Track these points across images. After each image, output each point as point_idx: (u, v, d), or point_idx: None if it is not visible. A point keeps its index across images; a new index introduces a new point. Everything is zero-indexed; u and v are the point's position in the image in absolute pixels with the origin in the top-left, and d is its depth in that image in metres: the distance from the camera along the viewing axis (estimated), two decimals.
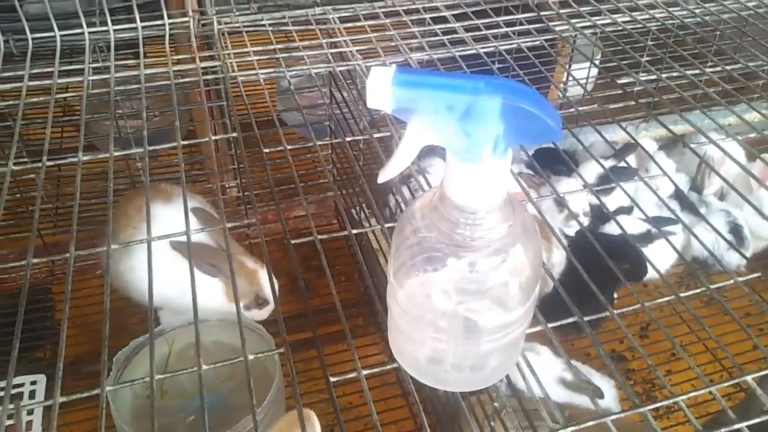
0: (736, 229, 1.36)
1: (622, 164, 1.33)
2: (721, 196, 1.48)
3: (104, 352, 0.57)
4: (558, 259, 1.21)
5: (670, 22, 1.19)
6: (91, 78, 0.95)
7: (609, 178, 1.20)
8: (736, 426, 0.55)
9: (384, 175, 0.49)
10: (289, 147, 0.81)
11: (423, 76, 0.44)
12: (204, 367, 0.56)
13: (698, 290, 0.69)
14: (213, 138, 0.79)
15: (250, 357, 0.57)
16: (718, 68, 1.05)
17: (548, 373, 0.98)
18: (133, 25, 1.06)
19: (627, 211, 1.37)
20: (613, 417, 0.55)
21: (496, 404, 0.67)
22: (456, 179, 0.47)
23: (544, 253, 1.20)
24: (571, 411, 0.91)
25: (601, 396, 0.97)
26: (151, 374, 0.55)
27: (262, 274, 1.08)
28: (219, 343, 1.09)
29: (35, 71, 0.97)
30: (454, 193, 0.48)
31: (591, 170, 1.36)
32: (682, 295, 0.69)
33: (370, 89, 0.44)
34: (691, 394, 0.59)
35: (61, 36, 1.04)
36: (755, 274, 0.71)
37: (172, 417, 1.02)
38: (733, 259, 1.30)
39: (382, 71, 0.44)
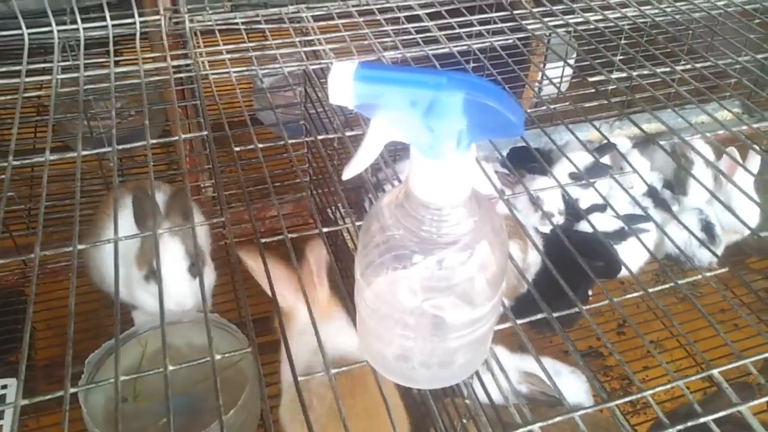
0: (708, 227, 1.38)
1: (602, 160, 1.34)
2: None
3: (68, 353, 0.56)
4: (534, 258, 1.21)
5: (643, 20, 1.20)
6: (60, 77, 0.93)
7: (583, 175, 1.21)
8: (702, 420, 0.56)
9: (348, 172, 0.49)
10: (260, 146, 0.81)
11: (385, 71, 0.44)
12: (170, 367, 0.55)
13: (667, 285, 0.70)
14: (183, 137, 0.78)
15: (217, 357, 0.56)
16: (690, 67, 1.07)
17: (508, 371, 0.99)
18: (103, 23, 1.05)
19: (601, 208, 1.38)
20: (581, 412, 0.55)
21: (467, 401, 0.67)
22: (420, 175, 0.47)
23: (520, 253, 1.21)
24: (537, 405, 0.92)
25: (560, 404, 0.97)
26: (116, 376, 0.54)
27: (165, 246, 1.00)
28: (192, 345, 1.08)
29: (2, 70, 0.95)
30: (418, 189, 0.48)
31: (566, 168, 1.37)
32: (651, 290, 0.70)
33: (332, 85, 0.44)
34: (659, 389, 0.59)
35: (30, 34, 1.02)
36: (722, 269, 0.72)
37: (146, 419, 1.00)
38: (706, 256, 1.31)
39: (343, 66, 0.44)
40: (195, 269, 1.02)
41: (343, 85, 0.43)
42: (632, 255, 1.33)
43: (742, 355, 0.62)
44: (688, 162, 1.37)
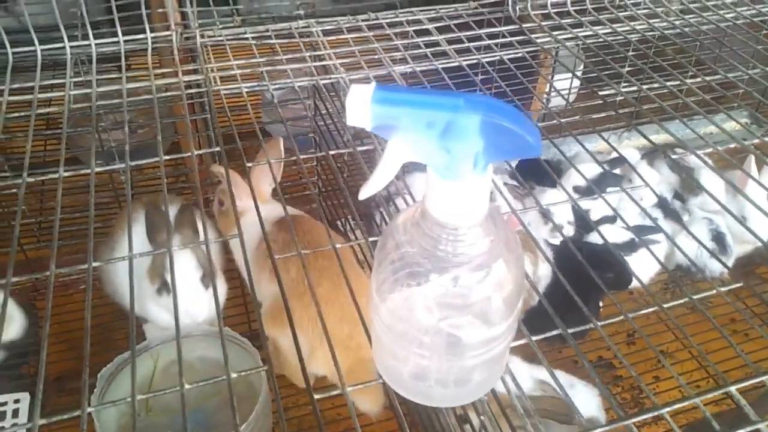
0: (718, 237, 1.37)
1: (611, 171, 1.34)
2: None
3: (85, 371, 0.56)
4: (544, 271, 1.21)
5: (651, 33, 1.21)
6: (72, 92, 0.94)
7: (593, 188, 1.21)
8: None
9: (365, 192, 0.49)
10: (272, 160, 0.81)
11: (402, 93, 0.44)
12: (186, 386, 0.55)
13: (681, 300, 0.70)
14: (195, 153, 0.79)
15: (233, 375, 0.56)
16: (698, 79, 1.07)
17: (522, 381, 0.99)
18: (115, 39, 1.05)
19: (611, 220, 1.38)
20: (599, 431, 0.55)
21: (482, 418, 0.67)
22: (437, 196, 0.47)
23: (531, 266, 1.21)
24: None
25: (570, 422, 0.98)
26: (132, 395, 0.54)
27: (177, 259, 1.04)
28: (204, 359, 1.08)
29: (16, 86, 0.96)
30: (435, 209, 0.48)
31: (576, 179, 1.37)
32: (666, 306, 0.69)
33: (350, 107, 0.44)
34: (676, 406, 0.59)
35: (42, 50, 1.03)
36: (737, 284, 0.72)
37: None
38: (717, 266, 1.31)
39: (361, 89, 0.44)
40: (207, 280, 1.02)
41: (361, 107, 0.44)
42: (643, 266, 1.32)
43: (759, 370, 0.62)
44: (697, 171, 1.37)
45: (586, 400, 1.04)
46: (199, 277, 1.03)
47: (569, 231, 1.38)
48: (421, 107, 0.44)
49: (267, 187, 1.11)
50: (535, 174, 1.38)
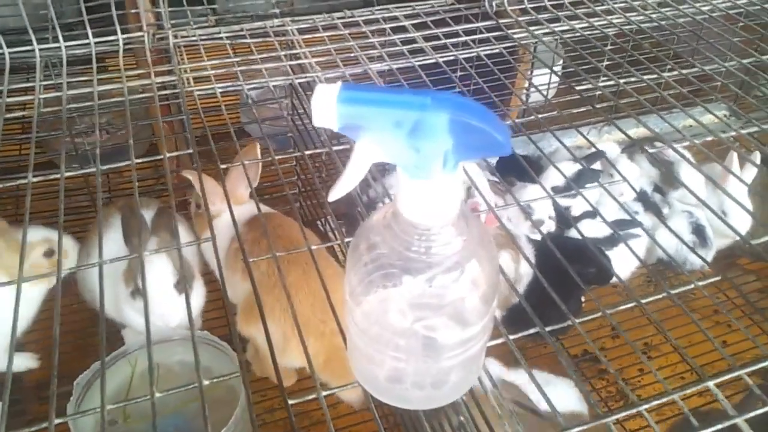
0: (698, 230, 1.37)
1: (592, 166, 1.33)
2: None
3: (53, 382, 0.55)
4: (526, 269, 1.21)
5: (628, 27, 1.20)
6: (42, 96, 0.92)
7: (575, 182, 1.21)
8: None
9: (334, 194, 0.49)
10: (246, 161, 0.80)
11: (369, 92, 0.44)
12: (157, 394, 0.54)
13: (659, 296, 0.70)
14: (168, 155, 0.77)
15: (206, 383, 0.55)
16: (675, 72, 1.07)
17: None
18: (86, 41, 1.03)
19: (593, 215, 1.37)
20: (576, 430, 0.54)
21: (461, 418, 0.67)
22: (408, 196, 0.46)
23: (512, 263, 1.20)
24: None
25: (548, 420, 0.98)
26: (102, 405, 0.53)
27: (152, 262, 1.02)
28: (183, 363, 1.07)
29: None
30: (406, 210, 0.47)
31: (557, 175, 1.36)
32: (644, 301, 0.69)
33: (315, 108, 0.43)
34: (654, 403, 0.58)
35: (11, 53, 1.01)
36: (715, 278, 0.72)
37: None
38: (698, 259, 1.31)
39: (326, 89, 0.43)
40: (181, 286, 1.01)
41: (327, 107, 0.43)
42: (625, 260, 1.32)
43: (735, 365, 0.62)
44: (676, 165, 1.37)
45: (565, 395, 1.04)
46: (173, 282, 1.01)
47: (551, 226, 1.37)
48: (388, 106, 0.43)
49: (244, 190, 1.10)
50: (515, 169, 1.37)
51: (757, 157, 1.25)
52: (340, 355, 0.94)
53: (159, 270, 0.98)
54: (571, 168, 1.29)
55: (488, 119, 0.42)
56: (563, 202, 1.37)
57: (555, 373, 1.11)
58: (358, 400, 1.02)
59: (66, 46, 1.03)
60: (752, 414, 0.57)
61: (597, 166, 1.42)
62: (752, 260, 1.66)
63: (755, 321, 1.52)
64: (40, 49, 1.01)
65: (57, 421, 0.53)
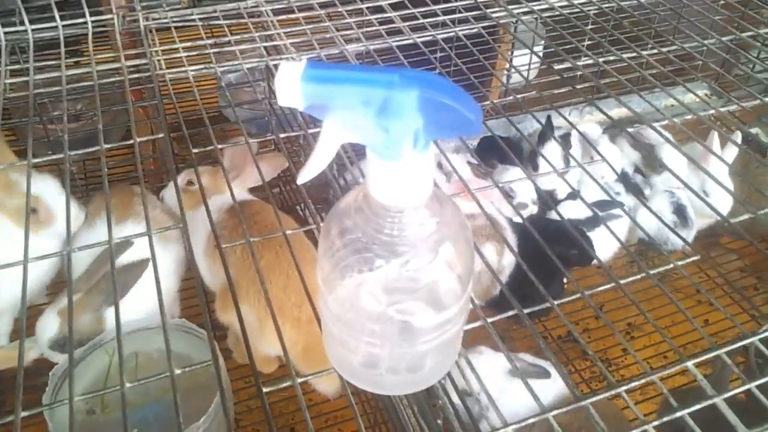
0: (679, 210, 1.37)
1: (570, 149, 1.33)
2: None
3: (19, 374, 0.54)
4: (509, 260, 1.20)
5: (608, 6, 1.19)
6: (8, 81, 0.90)
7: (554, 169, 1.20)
8: (678, 414, 0.55)
9: (303, 177, 0.47)
10: (219, 146, 0.78)
11: (335, 70, 0.42)
12: (127, 384, 0.53)
13: (638, 276, 0.69)
14: (138, 140, 0.75)
15: (177, 371, 0.54)
16: (656, 51, 1.06)
17: (494, 369, 0.98)
18: (53, 24, 1.00)
19: (574, 196, 1.37)
20: (555, 413, 0.54)
21: (440, 401, 0.66)
22: (378, 178, 0.45)
23: (496, 256, 1.20)
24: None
25: (548, 376, 0.98)
26: (70, 397, 0.51)
27: None
28: (162, 351, 1.04)
29: None
30: (377, 192, 0.46)
31: (549, 157, 1.35)
32: (623, 282, 0.69)
33: (279, 87, 0.41)
34: (633, 384, 0.58)
35: None
36: (694, 257, 0.71)
37: (116, 431, 0.98)
38: (679, 239, 1.31)
39: (290, 67, 0.41)
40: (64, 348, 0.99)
41: (291, 86, 0.41)
42: (609, 240, 1.32)
43: (715, 344, 0.62)
44: (658, 147, 1.37)
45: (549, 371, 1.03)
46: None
47: (534, 209, 1.37)
48: (355, 84, 0.41)
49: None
50: (497, 151, 1.36)
51: (738, 136, 1.25)
52: (319, 345, 0.93)
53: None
54: (556, 150, 1.28)
55: (458, 96, 0.41)
56: (549, 184, 1.36)
57: (539, 355, 1.11)
58: (335, 392, 1.01)
59: (32, 29, 1.00)
60: (731, 393, 0.57)
61: (578, 148, 1.42)
62: (733, 239, 1.67)
63: (735, 300, 1.54)
64: (5, 32, 0.98)
65: (24, 413, 0.52)
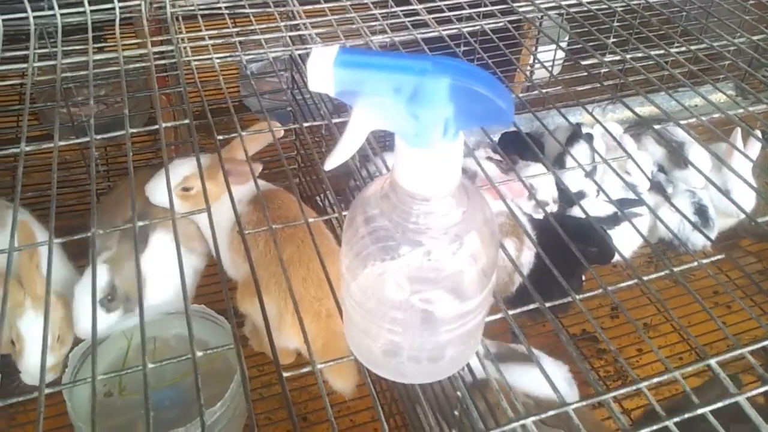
0: (701, 210, 1.36)
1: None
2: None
3: (44, 354, 0.54)
4: (527, 258, 1.20)
5: (636, 2, 1.18)
6: (36, 64, 0.91)
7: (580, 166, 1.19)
8: (699, 411, 0.54)
9: (330, 163, 0.47)
10: (244, 133, 0.78)
11: (367, 56, 0.42)
12: (150, 365, 0.53)
13: (662, 273, 0.68)
14: (163, 125, 0.76)
15: (199, 354, 0.54)
16: (684, 49, 1.04)
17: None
18: (81, 9, 1.01)
19: (596, 193, 1.36)
20: (574, 406, 0.54)
21: (458, 393, 0.66)
22: (406, 165, 0.45)
23: (515, 252, 1.19)
24: (529, 400, 0.91)
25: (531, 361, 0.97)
26: (93, 376, 0.52)
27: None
28: (180, 337, 1.07)
29: None
30: (404, 180, 0.46)
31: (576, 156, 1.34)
32: (646, 278, 0.68)
33: (311, 71, 0.41)
34: (655, 380, 0.57)
35: (4, 21, 0.99)
36: (718, 256, 0.70)
37: (133, 413, 0.99)
38: (700, 239, 1.30)
39: (323, 52, 0.41)
40: (113, 303, 0.98)
41: (323, 71, 0.41)
42: (627, 239, 1.31)
43: (738, 343, 0.61)
44: (686, 146, 1.35)
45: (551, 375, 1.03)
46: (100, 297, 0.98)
47: (554, 208, 1.36)
48: (386, 71, 0.41)
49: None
50: (518, 148, 1.35)
51: (758, 134, 1.24)
52: (337, 343, 0.93)
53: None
54: (585, 151, 1.27)
55: (491, 85, 0.41)
56: (576, 185, 1.35)
57: (553, 353, 1.10)
58: (351, 390, 1.01)
59: (61, 14, 1.00)
60: (752, 393, 0.56)
61: (602, 146, 1.41)
62: (754, 241, 1.66)
63: (756, 302, 1.52)
64: (35, 17, 0.99)
65: (47, 390, 0.53)
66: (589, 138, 1.34)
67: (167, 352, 1.05)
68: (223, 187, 1.05)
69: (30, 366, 0.90)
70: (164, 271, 0.97)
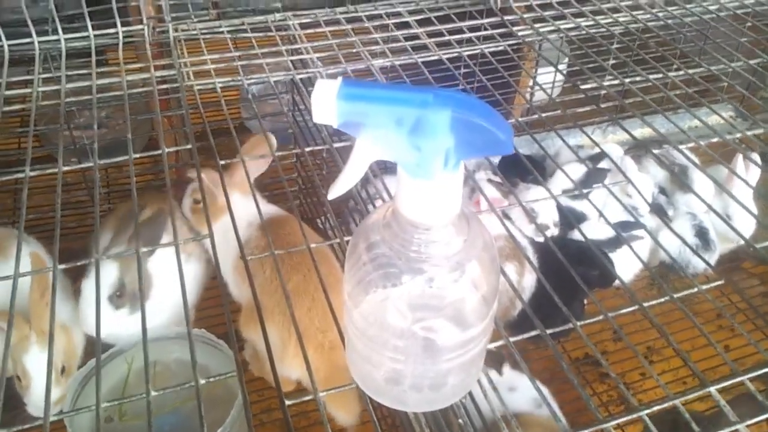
0: (701, 232, 1.36)
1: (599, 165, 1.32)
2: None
3: (49, 380, 0.54)
4: (529, 282, 1.19)
5: (634, 25, 1.19)
6: (40, 89, 0.91)
7: (583, 184, 1.19)
8: None
9: (334, 192, 0.48)
10: (246, 158, 0.79)
11: (370, 89, 0.42)
12: (153, 393, 0.53)
13: (662, 299, 0.68)
14: (166, 150, 0.76)
15: (202, 382, 0.54)
16: (681, 72, 1.05)
17: None
18: (85, 34, 1.02)
19: (597, 216, 1.36)
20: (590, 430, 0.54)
21: (460, 421, 0.66)
22: (408, 195, 0.45)
23: (516, 276, 1.19)
24: (524, 419, 0.90)
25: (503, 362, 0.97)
26: (97, 403, 0.52)
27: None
28: (180, 361, 1.06)
29: None
30: (406, 209, 0.46)
31: (562, 176, 1.35)
32: (647, 305, 0.68)
33: (315, 104, 0.42)
34: (655, 408, 0.57)
35: (10, 45, 1.00)
36: (717, 282, 0.70)
37: None
38: (701, 262, 1.29)
39: (326, 84, 0.42)
40: (122, 299, 0.98)
41: (327, 103, 0.42)
42: (628, 262, 1.31)
43: (738, 370, 0.61)
44: (686, 169, 1.35)
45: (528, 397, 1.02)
46: (108, 294, 0.97)
47: (555, 232, 1.36)
48: (389, 103, 0.42)
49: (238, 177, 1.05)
50: (518, 170, 1.35)
51: (757, 158, 1.24)
52: (339, 377, 0.92)
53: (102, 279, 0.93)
54: (578, 170, 1.27)
55: (491, 117, 0.41)
56: (574, 205, 1.35)
57: (556, 377, 1.09)
58: (353, 421, 1.00)
59: (65, 39, 1.01)
60: (754, 421, 0.56)
61: (603, 166, 1.41)
62: (756, 264, 1.65)
63: (758, 326, 1.51)
64: (40, 42, 1.00)
65: (53, 418, 0.53)
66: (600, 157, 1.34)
67: (168, 376, 1.04)
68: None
69: (36, 400, 0.90)
70: (172, 270, 0.96)
